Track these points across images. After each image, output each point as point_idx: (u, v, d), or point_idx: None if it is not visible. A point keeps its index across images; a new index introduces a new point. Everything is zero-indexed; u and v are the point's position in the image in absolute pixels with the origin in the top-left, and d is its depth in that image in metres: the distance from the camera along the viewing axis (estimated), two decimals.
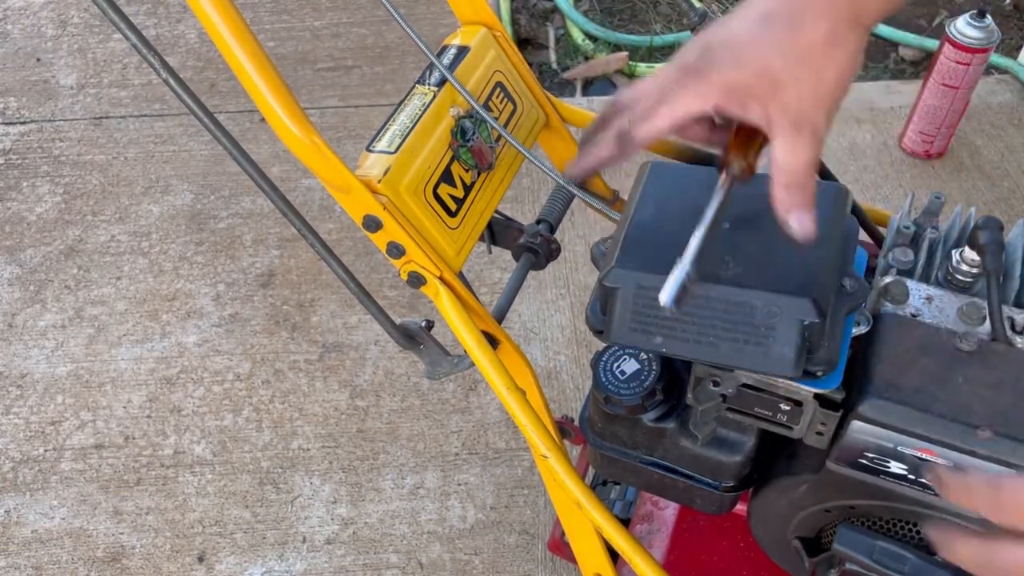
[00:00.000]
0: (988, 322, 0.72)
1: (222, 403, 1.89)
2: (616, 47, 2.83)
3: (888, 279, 0.77)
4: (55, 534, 1.72)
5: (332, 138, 2.42)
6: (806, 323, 0.67)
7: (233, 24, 0.67)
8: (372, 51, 2.70)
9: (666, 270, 0.68)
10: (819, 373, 0.68)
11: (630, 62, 2.77)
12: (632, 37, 2.84)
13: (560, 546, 1.47)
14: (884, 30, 2.82)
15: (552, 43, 2.88)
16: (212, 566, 1.67)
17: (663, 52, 2.84)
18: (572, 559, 1.33)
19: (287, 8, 2.85)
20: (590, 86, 2.77)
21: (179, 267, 2.14)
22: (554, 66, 2.82)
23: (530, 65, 2.68)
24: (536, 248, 0.98)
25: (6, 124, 2.51)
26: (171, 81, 0.71)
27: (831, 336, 0.69)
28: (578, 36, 2.85)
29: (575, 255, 2.12)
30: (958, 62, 2.10)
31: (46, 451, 1.83)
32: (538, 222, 1.01)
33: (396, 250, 0.81)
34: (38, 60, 2.70)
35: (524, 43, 2.89)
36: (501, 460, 1.78)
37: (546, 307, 2.03)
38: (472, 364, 0.86)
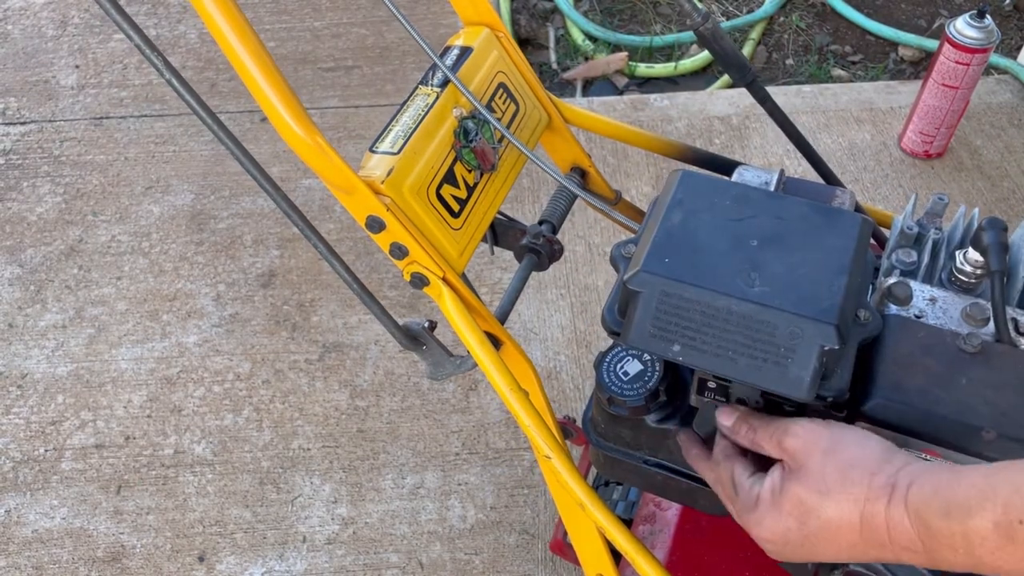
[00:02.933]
0: (992, 323, 0.72)
1: (222, 403, 1.89)
2: (616, 47, 2.83)
3: (892, 280, 0.77)
4: (55, 534, 1.72)
5: (333, 138, 2.42)
6: (826, 348, 0.67)
7: (236, 25, 0.67)
8: (372, 51, 2.70)
9: (692, 279, 0.70)
10: (829, 399, 0.69)
11: (630, 62, 2.77)
12: (632, 37, 2.84)
13: (562, 547, 1.47)
14: (885, 30, 2.82)
15: (552, 43, 2.89)
16: (212, 566, 1.67)
17: (663, 52, 2.84)
18: (574, 560, 1.33)
19: (288, 8, 2.85)
20: (590, 86, 2.77)
21: (179, 267, 2.15)
22: (554, 66, 2.82)
23: (530, 65, 2.67)
24: (539, 249, 0.98)
25: (6, 124, 2.51)
26: (174, 81, 0.71)
27: (845, 365, 0.69)
28: (578, 36, 2.86)
29: (575, 255, 2.13)
30: (958, 62, 2.10)
31: (46, 451, 1.83)
32: (540, 223, 1.01)
33: (399, 251, 0.81)
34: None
35: (524, 43, 2.89)
36: (501, 460, 1.78)
37: (546, 307, 2.03)
38: (475, 365, 0.86)
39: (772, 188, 0.85)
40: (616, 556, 0.94)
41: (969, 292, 0.77)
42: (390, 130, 0.84)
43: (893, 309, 0.75)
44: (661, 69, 2.76)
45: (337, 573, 1.65)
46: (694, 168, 0.98)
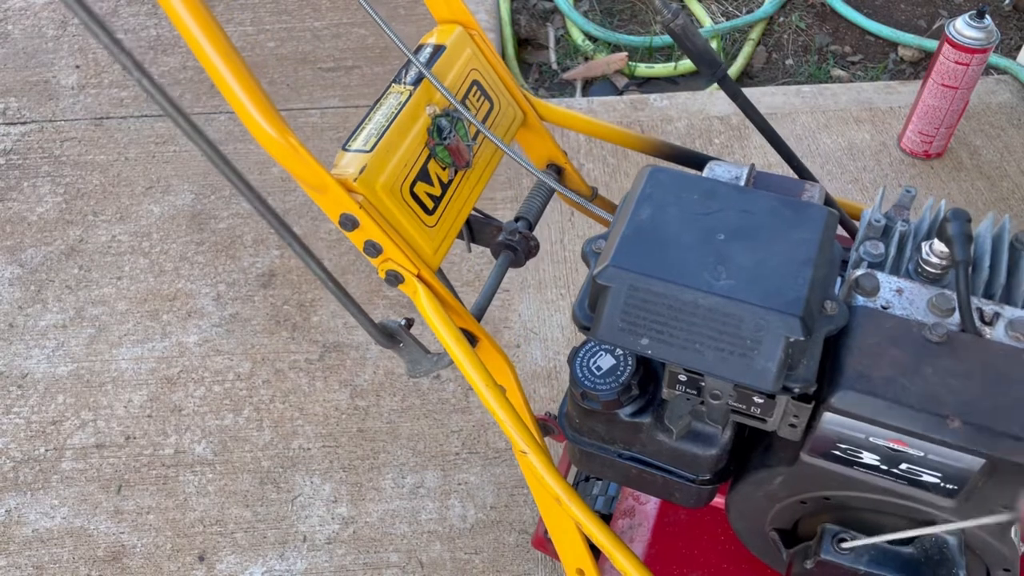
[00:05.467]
0: (957, 313, 0.72)
1: (223, 403, 1.90)
2: (616, 47, 2.83)
3: (860, 272, 0.77)
4: (56, 533, 1.72)
5: (333, 138, 2.42)
6: (791, 340, 0.68)
7: (204, 25, 0.67)
8: (372, 51, 2.70)
9: (660, 274, 0.69)
10: (796, 390, 0.69)
11: (630, 62, 2.78)
12: (632, 37, 2.84)
13: (544, 543, 1.47)
14: (884, 30, 2.82)
15: (552, 43, 2.89)
16: (213, 565, 1.67)
17: (663, 52, 2.84)
18: (556, 555, 1.33)
19: (288, 9, 2.86)
20: (590, 86, 2.77)
21: (180, 267, 2.15)
22: (554, 66, 2.82)
23: (530, 66, 2.66)
24: (515, 246, 0.99)
25: (7, 124, 2.52)
26: (144, 81, 0.70)
27: (811, 356, 0.70)
28: (578, 36, 2.86)
29: (575, 256, 2.13)
30: (957, 62, 2.10)
31: (47, 451, 1.83)
32: (517, 220, 1.02)
33: (373, 248, 0.82)
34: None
35: (524, 43, 2.89)
36: (501, 460, 1.78)
37: (546, 307, 2.03)
38: (452, 362, 0.86)
39: (742, 183, 0.86)
40: (596, 551, 0.94)
41: (935, 283, 0.77)
42: (363, 128, 0.85)
43: (860, 300, 0.75)
44: (661, 69, 2.76)
45: (337, 572, 1.65)
46: (669, 164, 0.99)
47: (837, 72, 2.75)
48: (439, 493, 1.75)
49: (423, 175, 0.86)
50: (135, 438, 1.85)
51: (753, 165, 0.88)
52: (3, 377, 1.96)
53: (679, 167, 0.97)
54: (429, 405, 1.87)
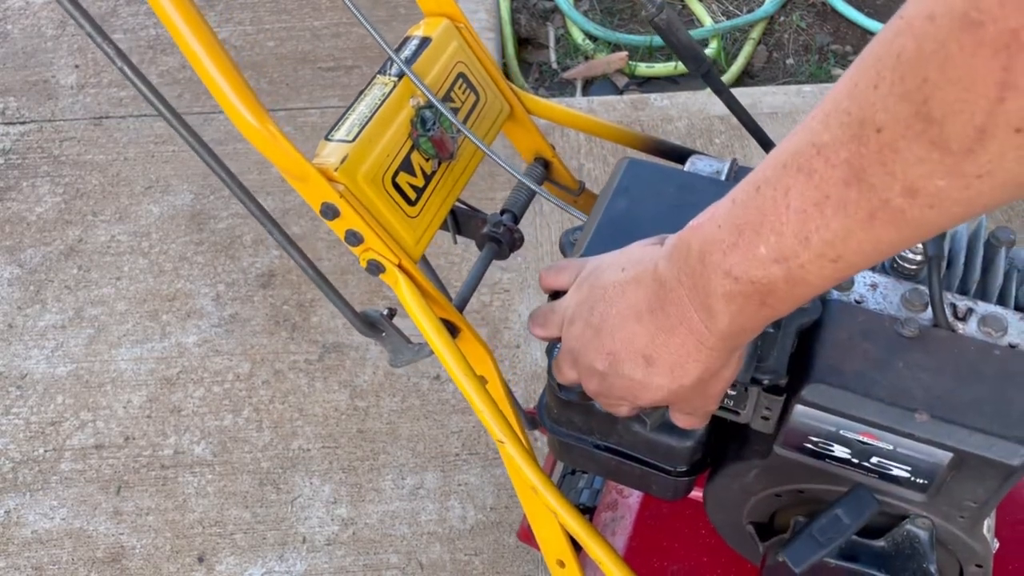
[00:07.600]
0: (930, 308, 0.72)
1: (222, 403, 1.89)
2: (616, 47, 2.83)
3: None
4: (55, 534, 1.72)
5: None
6: (759, 332, 0.68)
7: (185, 11, 0.67)
8: (372, 51, 2.70)
9: None
10: (766, 381, 0.69)
11: (630, 62, 2.77)
12: (632, 37, 2.84)
13: (529, 535, 1.47)
14: None
15: (552, 43, 2.88)
16: (212, 566, 1.67)
17: (663, 52, 2.84)
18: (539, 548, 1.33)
19: (287, 8, 2.85)
20: (590, 86, 2.77)
21: (179, 267, 2.14)
22: (554, 66, 2.82)
23: (530, 65, 2.65)
24: (499, 238, 0.99)
25: (6, 124, 2.51)
26: (126, 70, 0.69)
27: (780, 348, 0.70)
28: (578, 36, 2.85)
29: None
30: None
31: (46, 451, 1.83)
32: (502, 212, 1.02)
33: (354, 238, 0.82)
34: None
35: (524, 43, 2.89)
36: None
37: None
38: (433, 352, 0.86)
39: (724, 177, 0.85)
40: (578, 544, 0.94)
41: (910, 278, 0.77)
42: (346, 119, 0.85)
43: (834, 294, 0.75)
44: (661, 68, 2.76)
45: (337, 574, 1.65)
46: (652, 157, 0.99)
47: (838, 72, 2.75)
48: (439, 494, 1.74)
49: (406, 166, 0.86)
50: (134, 439, 1.85)
51: (735, 159, 0.88)
52: (2, 378, 1.95)
53: (653, 159, 0.98)
54: (429, 406, 1.87)
